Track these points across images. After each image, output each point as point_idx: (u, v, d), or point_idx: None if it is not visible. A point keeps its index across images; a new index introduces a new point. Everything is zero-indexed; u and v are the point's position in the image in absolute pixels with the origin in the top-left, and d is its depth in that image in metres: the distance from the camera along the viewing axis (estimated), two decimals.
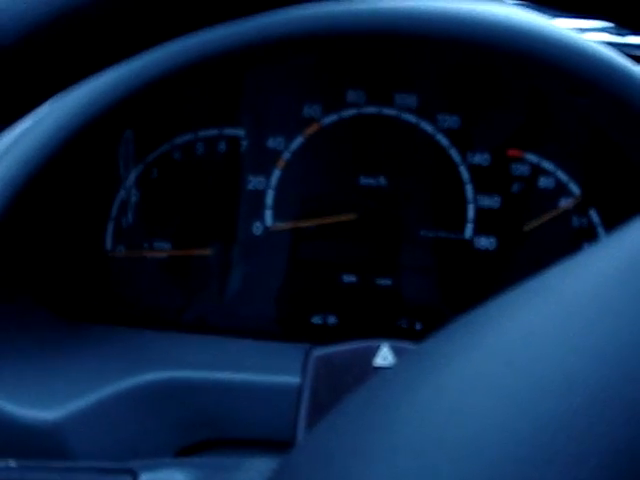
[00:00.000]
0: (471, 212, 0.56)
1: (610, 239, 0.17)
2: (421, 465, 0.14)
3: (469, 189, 0.56)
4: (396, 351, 0.51)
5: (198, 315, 0.58)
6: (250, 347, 0.55)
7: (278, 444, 0.50)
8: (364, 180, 0.56)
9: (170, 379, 0.50)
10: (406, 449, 0.15)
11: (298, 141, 0.56)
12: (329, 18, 0.48)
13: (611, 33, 0.63)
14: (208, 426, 0.51)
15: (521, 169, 0.56)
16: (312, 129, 0.56)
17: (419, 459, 0.15)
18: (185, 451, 0.51)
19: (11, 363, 0.50)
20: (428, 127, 0.55)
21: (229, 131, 0.56)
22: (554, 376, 0.14)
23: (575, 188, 0.56)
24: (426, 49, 0.53)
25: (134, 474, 0.34)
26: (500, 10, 0.49)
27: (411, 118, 0.55)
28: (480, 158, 0.56)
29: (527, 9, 0.50)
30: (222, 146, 0.56)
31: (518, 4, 0.51)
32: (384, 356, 0.51)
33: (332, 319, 0.58)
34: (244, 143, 0.56)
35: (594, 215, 0.56)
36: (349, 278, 0.57)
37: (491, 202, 0.56)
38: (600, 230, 0.56)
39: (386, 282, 0.57)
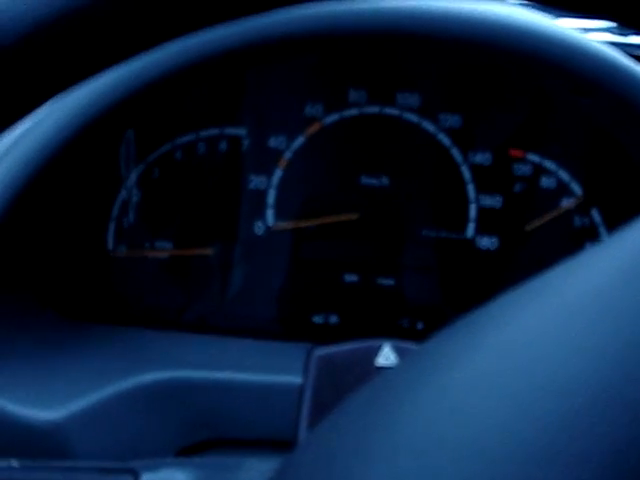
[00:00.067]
0: (473, 212, 0.56)
1: (612, 239, 0.17)
2: (423, 465, 0.14)
3: (471, 189, 0.56)
4: (398, 351, 0.51)
5: (200, 315, 0.58)
6: (252, 347, 0.55)
7: (280, 444, 0.50)
8: (366, 180, 0.56)
9: (171, 379, 0.50)
10: (408, 449, 0.15)
11: (300, 140, 0.56)
12: (331, 17, 0.48)
13: (614, 33, 0.63)
14: (209, 426, 0.51)
15: (523, 169, 0.56)
16: (314, 128, 0.56)
17: (421, 459, 0.15)
18: (186, 451, 0.51)
19: (12, 363, 0.50)
20: (430, 127, 0.55)
21: (230, 131, 0.56)
22: (556, 376, 0.14)
23: (577, 188, 0.56)
24: (428, 49, 0.53)
25: (135, 474, 0.34)
26: (503, 9, 0.49)
27: (413, 118, 0.55)
28: (482, 158, 0.56)
29: (530, 9, 0.50)
30: (223, 146, 0.56)
31: (521, 4, 0.51)
32: (386, 356, 0.51)
33: (334, 319, 0.58)
34: (245, 143, 0.56)
35: (596, 215, 0.56)
36: (351, 278, 0.57)
37: (493, 202, 0.56)
38: (602, 230, 0.56)
39: (388, 282, 0.57)
